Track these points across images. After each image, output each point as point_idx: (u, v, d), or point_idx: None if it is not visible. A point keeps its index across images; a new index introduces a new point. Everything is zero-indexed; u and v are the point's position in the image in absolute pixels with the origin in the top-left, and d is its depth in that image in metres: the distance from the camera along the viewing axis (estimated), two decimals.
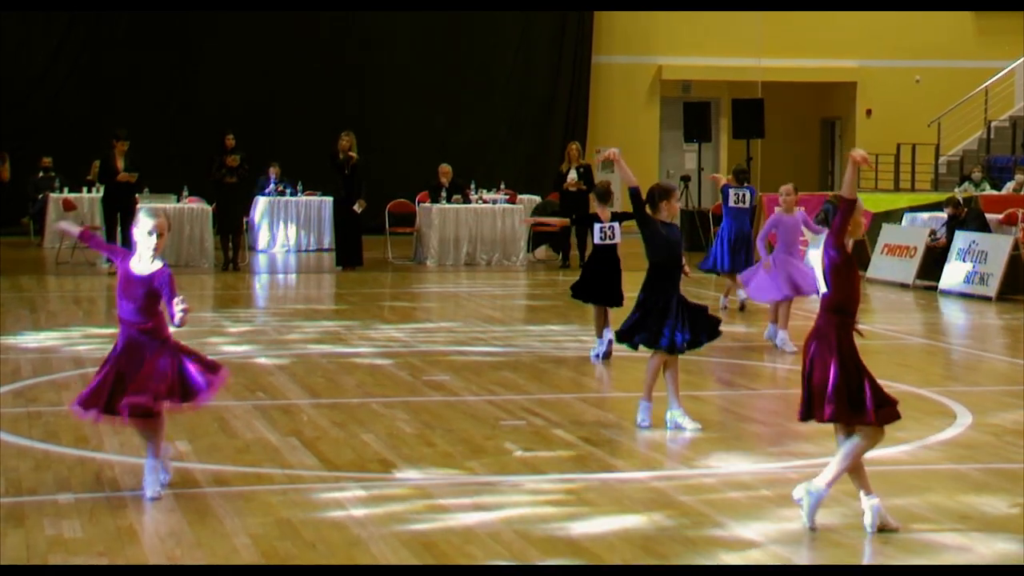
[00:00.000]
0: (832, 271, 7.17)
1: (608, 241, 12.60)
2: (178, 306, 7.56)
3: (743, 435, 9.78)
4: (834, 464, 7.26)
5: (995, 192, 24.65)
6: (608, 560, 6.79)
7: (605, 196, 12.75)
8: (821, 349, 7.19)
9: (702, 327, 9.79)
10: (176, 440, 9.24)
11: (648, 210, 9.65)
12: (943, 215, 20.25)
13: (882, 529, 7.22)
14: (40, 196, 25.14)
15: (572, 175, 22.57)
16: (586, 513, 7.63)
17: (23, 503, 7.71)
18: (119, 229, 19.61)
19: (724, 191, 16.85)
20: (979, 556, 6.95)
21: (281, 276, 21.71)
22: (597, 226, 12.59)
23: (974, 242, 18.89)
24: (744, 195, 16.67)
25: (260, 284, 20.67)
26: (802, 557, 6.93)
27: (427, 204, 23.01)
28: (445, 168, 23.16)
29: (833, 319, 7.19)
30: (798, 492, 7.31)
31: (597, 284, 12.66)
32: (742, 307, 16.47)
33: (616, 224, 12.60)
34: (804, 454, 9.15)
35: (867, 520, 7.24)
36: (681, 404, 9.78)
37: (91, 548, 6.91)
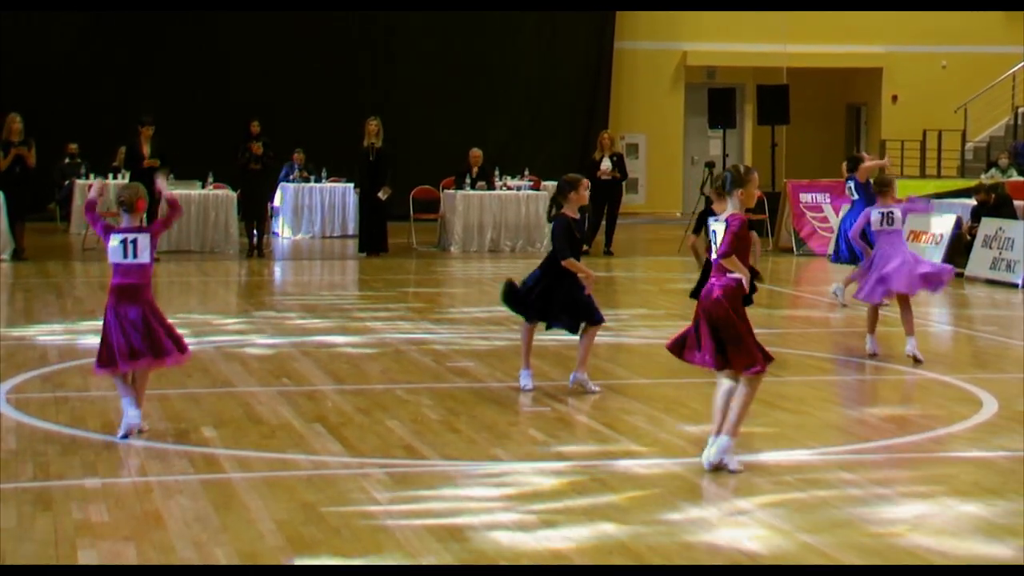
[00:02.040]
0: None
1: None
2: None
3: (775, 423, 9.75)
4: (736, 411, 8.06)
5: (1022, 179, 24.54)
6: (633, 547, 6.79)
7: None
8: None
9: (570, 316, 10.35)
10: (202, 426, 9.30)
11: (560, 200, 10.38)
12: (971, 202, 20.14)
13: (719, 468, 8.07)
14: (66, 182, 25.28)
15: (606, 163, 22.55)
16: (611, 499, 7.63)
17: (51, 487, 7.76)
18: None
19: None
20: (1005, 543, 6.93)
21: (305, 262, 21.75)
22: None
23: (1000, 228, 18.80)
24: (849, 186, 15.65)
25: (284, 270, 20.71)
26: (817, 542, 6.92)
27: (451, 191, 23.02)
28: (476, 153, 23.17)
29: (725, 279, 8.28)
30: (709, 456, 8.10)
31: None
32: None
33: None
34: (830, 442, 9.14)
35: (708, 453, 8.14)
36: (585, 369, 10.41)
37: (117, 532, 6.94)
